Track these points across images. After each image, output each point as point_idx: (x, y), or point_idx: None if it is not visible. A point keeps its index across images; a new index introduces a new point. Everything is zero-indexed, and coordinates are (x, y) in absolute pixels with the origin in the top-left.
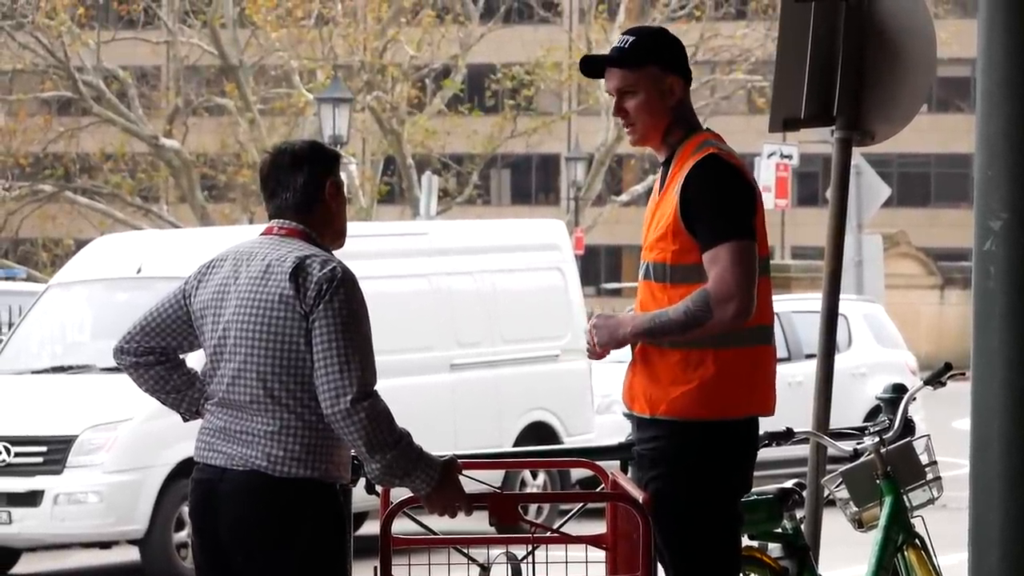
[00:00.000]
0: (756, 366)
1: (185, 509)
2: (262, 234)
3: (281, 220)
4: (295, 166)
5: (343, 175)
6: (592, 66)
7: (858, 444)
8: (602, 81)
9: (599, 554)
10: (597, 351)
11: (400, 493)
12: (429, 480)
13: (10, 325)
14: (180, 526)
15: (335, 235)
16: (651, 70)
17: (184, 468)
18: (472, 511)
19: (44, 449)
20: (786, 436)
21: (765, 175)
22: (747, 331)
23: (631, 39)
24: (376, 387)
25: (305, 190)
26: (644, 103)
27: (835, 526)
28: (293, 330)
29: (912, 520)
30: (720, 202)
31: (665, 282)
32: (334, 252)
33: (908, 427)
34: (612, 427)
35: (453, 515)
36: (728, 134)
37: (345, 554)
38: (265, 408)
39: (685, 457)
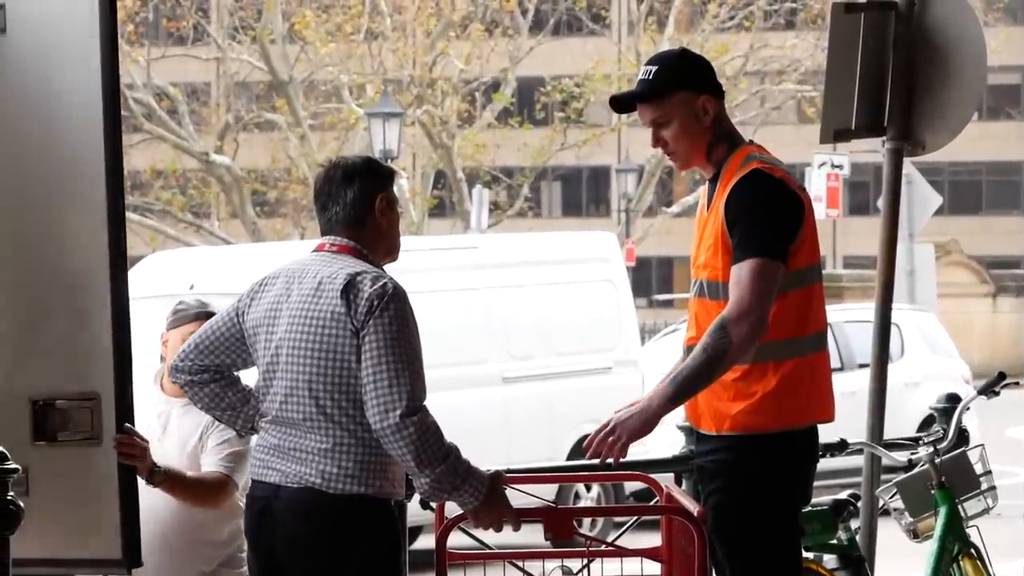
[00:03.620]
0: (816, 374)
1: None
2: (314, 251)
3: (332, 237)
4: (346, 181)
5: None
6: (622, 103)
7: (912, 454)
8: None
9: (654, 567)
10: (621, 451)
11: (455, 508)
12: (476, 495)
13: None
14: None
15: (387, 251)
16: (680, 96)
17: None
18: (520, 525)
19: None
20: (840, 447)
21: (816, 185)
22: (804, 341)
23: (654, 69)
24: (426, 402)
25: (355, 205)
26: (680, 130)
27: (890, 536)
28: (345, 347)
29: (967, 530)
30: (753, 218)
31: (718, 299)
32: (387, 266)
33: (962, 436)
34: (665, 440)
35: (499, 529)
36: (778, 145)
37: (400, 568)
38: (318, 425)
39: (748, 469)
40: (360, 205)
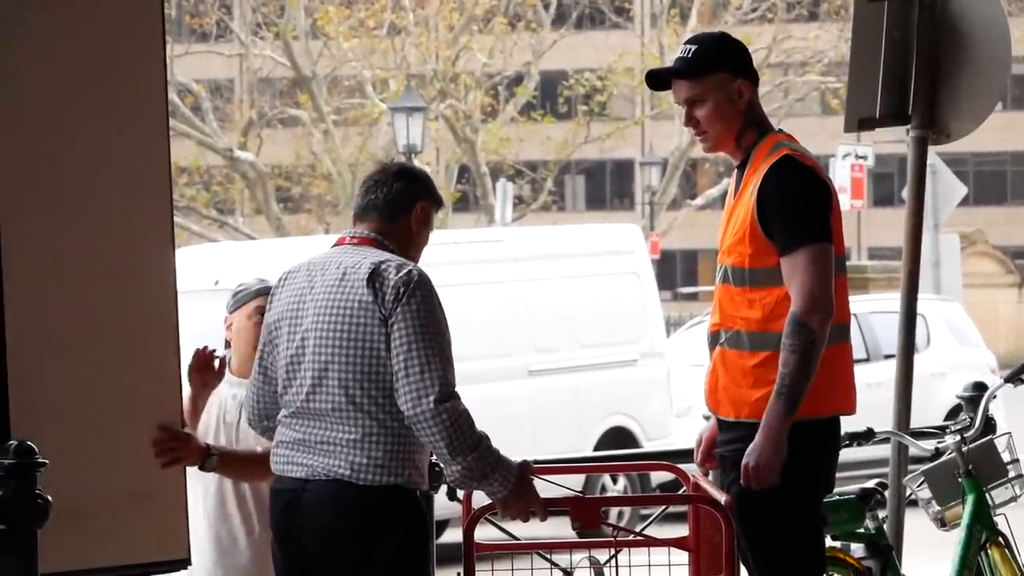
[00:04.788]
0: (836, 364)
1: None
2: (334, 245)
3: (353, 230)
4: (399, 175)
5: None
6: (658, 79)
7: (939, 443)
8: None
9: (682, 557)
10: (769, 481)
11: (482, 500)
12: (506, 483)
13: None
14: None
15: (408, 257)
16: (717, 76)
17: None
18: (547, 516)
19: None
20: (867, 436)
21: (840, 176)
22: (830, 329)
23: (694, 48)
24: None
25: (396, 198)
26: (713, 110)
27: (917, 525)
28: (373, 336)
29: (995, 518)
30: (795, 205)
31: (744, 286)
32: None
33: (989, 425)
34: (691, 430)
35: (526, 519)
36: (802, 136)
37: (428, 559)
38: (347, 416)
39: None
40: (401, 200)
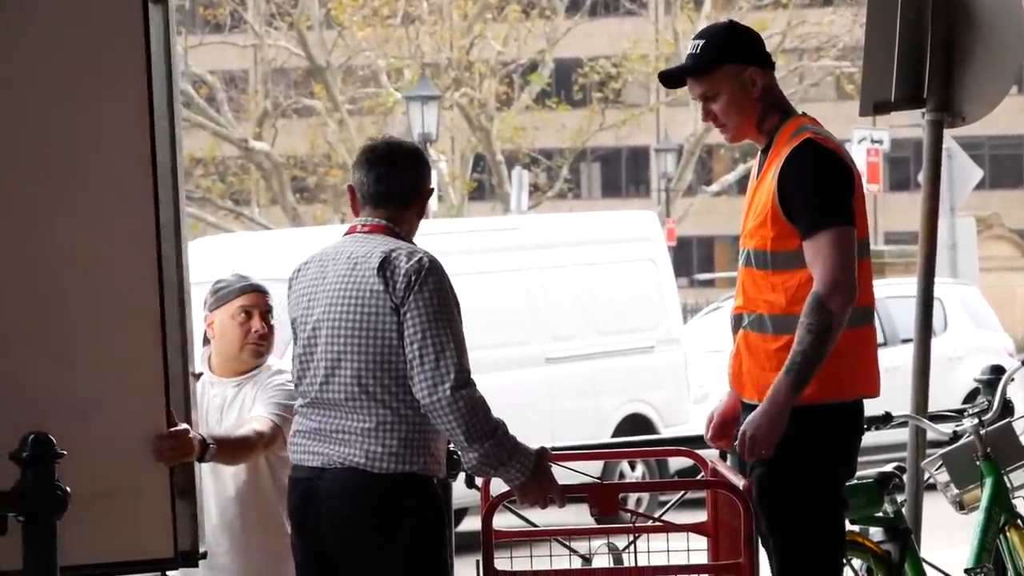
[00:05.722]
0: (860, 347)
1: None
2: (346, 234)
3: (364, 218)
4: (408, 160)
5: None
6: (672, 78)
7: (957, 426)
8: None
9: (700, 543)
10: (761, 453)
11: (500, 487)
12: (524, 470)
13: None
14: None
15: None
16: (727, 69)
17: None
18: (565, 502)
19: None
20: (885, 420)
21: (856, 161)
22: (850, 314)
23: (701, 43)
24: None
25: (411, 183)
26: (729, 102)
27: (936, 509)
28: (385, 324)
29: (1013, 500)
30: (817, 188)
31: (767, 269)
32: (433, 240)
33: (1007, 408)
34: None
35: (544, 506)
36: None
37: (446, 546)
38: (361, 405)
39: (791, 441)
40: (415, 185)
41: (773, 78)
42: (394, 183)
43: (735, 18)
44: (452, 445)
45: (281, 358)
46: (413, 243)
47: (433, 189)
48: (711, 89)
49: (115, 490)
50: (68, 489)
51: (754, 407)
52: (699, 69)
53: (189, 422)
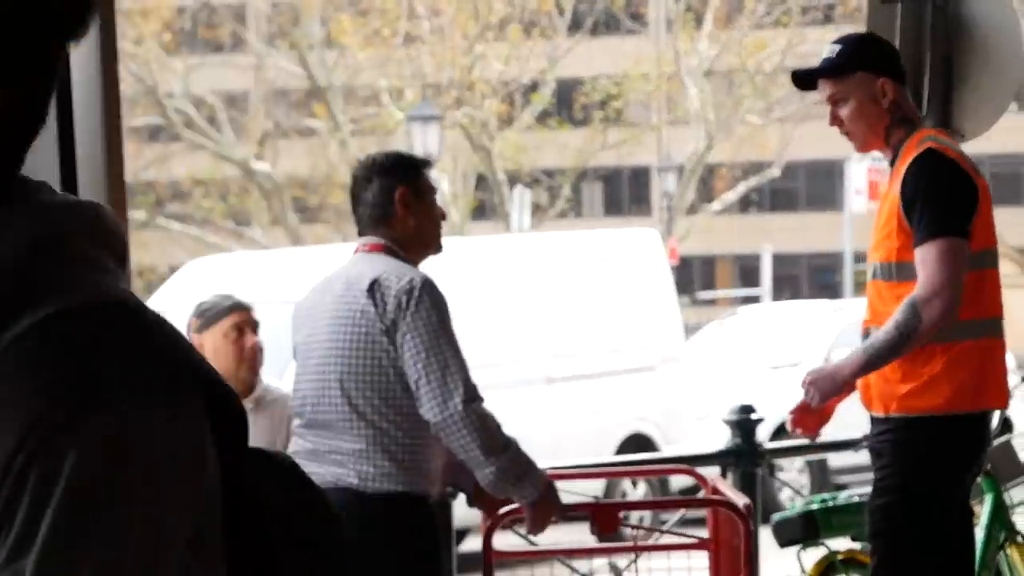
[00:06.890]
0: (987, 359)
1: None
2: (353, 253)
3: (365, 238)
4: (367, 179)
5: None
6: (804, 79)
7: None
8: (690, 90)
9: (701, 562)
10: (816, 406)
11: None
12: (538, 485)
13: None
14: None
15: (423, 245)
16: (860, 76)
17: None
18: (564, 519)
19: None
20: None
21: (857, 178)
22: (975, 324)
23: (838, 48)
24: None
25: (376, 203)
26: (856, 110)
27: None
28: (374, 346)
29: (1013, 517)
30: (932, 198)
31: (891, 280)
32: (432, 259)
33: (1007, 424)
34: (709, 435)
35: (543, 528)
36: (818, 139)
37: (441, 565)
38: (352, 425)
39: (912, 450)
40: (381, 202)
41: (904, 93)
42: (366, 203)
43: (736, 36)
44: (467, 463)
45: (281, 379)
46: (425, 246)
47: (406, 186)
48: (841, 92)
49: None
50: None
51: (880, 419)
52: (832, 72)
53: None
